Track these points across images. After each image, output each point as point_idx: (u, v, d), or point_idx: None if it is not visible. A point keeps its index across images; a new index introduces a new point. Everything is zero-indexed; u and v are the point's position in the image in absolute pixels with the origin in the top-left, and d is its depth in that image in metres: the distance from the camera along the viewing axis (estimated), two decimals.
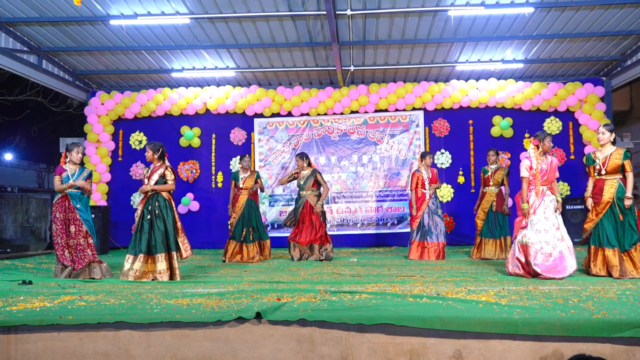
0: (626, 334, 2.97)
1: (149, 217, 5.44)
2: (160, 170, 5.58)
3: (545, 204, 5.28)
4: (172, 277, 5.37)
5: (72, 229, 5.60)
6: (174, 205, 5.62)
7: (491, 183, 7.51)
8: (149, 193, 5.54)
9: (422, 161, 7.50)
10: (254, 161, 10.46)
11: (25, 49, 9.00)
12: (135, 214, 5.60)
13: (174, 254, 5.43)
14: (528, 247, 5.19)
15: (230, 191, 7.68)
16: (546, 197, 5.30)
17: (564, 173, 9.73)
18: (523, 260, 5.26)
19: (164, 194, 5.57)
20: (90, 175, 5.85)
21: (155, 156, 5.65)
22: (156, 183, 5.53)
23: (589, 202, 5.42)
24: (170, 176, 5.59)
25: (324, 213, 7.61)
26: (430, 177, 7.39)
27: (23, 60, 8.98)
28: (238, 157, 10.32)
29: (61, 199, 5.64)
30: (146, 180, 5.58)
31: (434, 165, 9.86)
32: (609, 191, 5.20)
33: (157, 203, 5.48)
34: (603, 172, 5.26)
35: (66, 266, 5.55)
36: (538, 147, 5.41)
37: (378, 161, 10.37)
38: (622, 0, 7.56)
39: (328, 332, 3.24)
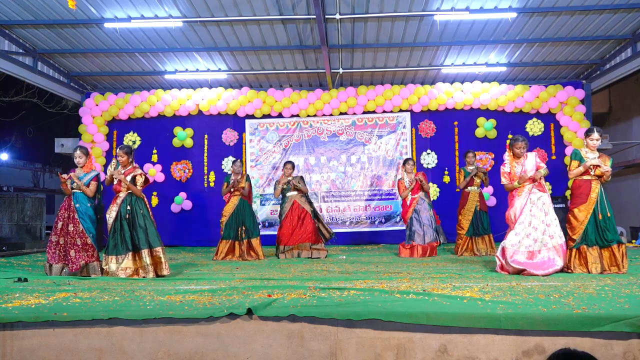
0: (605, 328, 3.05)
1: (127, 216, 5.46)
2: (134, 174, 5.57)
3: (532, 202, 5.36)
4: (158, 271, 5.40)
5: (71, 227, 5.60)
6: (147, 201, 5.71)
7: (474, 183, 7.75)
8: (124, 194, 5.54)
9: (403, 168, 7.78)
10: (246, 161, 10.62)
11: (20, 50, 9.09)
12: (108, 215, 5.53)
13: (158, 249, 5.45)
14: (505, 250, 5.31)
15: (224, 189, 7.80)
16: (532, 195, 5.38)
17: None
18: (503, 261, 5.36)
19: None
20: (93, 178, 5.71)
21: (130, 159, 5.68)
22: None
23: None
24: (140, 180, 5.57)
25: (314, 212, 7.82)
26: (413, 182, 7.57)
27: (18, 62, 9.06)
28: (230, 157, 10.56)
29: (67, 198, 5.71)
30: (120, 175, 5.52)
31: (421, 169, 10.08)
32: (595, 190, 5.29)
33: (137, 202, 5.53)
34: (592, 172, 5.30)
35: (52, 265, 5.57)
36: (511, 151, 5.59)
37: (366, 161, 10.58)
38: (601, 6, 7.80)
39: (317, 327, 3.28)
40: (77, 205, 5.64)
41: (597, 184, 5.32)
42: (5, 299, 3.94)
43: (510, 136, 10.26)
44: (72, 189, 5.68)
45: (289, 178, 7.87)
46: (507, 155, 5.63)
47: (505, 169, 5.59)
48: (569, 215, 5.41)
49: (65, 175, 5.72)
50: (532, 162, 5.50)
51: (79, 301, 3.81)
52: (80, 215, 5.61)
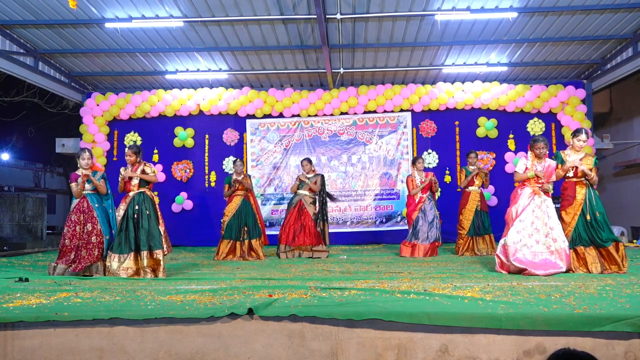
0: (606, 328, 3.06)
1: (135, 216, 5.52)
2: (141, 167, 5.75)
3: (535, 203, 5.35)
4: (155, 274, 5.44)
5: (89, 226, 5.62)
6: (156, 203, 5.77)
7: (476, 183, 7.76)
8: (133, 193, 5.65)
9: (413, 166, 7.78)
10: (247, 161, 10.61)
11: (21, 51, 9.11)
12: (117, 212, 5.64)
13: (157, 252, 5.48)
14: (507, 247, 5.30)
15: (226, 192, 7.82)
16: (537, 198, 5.38)
17: None
18: (503, 259, 5.36)
19: (148, 192, 5.70)
20: (102, 178, 5.82)
21: (138, 159, 5.82)
22: (139, 180, 5.72)
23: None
24: (150, 169, 5.77)
25: (316, 214, 7.80)
26: (425, 182, 7.59)
27: (19, 62, 9.08)
28: (231, 157, 10.56)
29: (80, 201, 5.74)
30: (129, 173, 5.70)
31: (427, 169, 10.07)
32: (581, 192, 5.30)
33: (144, 203, 5.59)
34: (570, 174, 5.35)
35: (57, 265, 5.58)
36: (532, 152, 5.54)
37: (367, 161, 10.58)
38: (602, 6, 7.80)
39: (318, 327, 3.29)
40: (95, 205, 5.70)
41: (582, 186, 5.33)
42: (7, 298, 3.94)
43: (511, 135, 10.28)
44: (85, 190, 5.73)
45: (309, 176, 7.90)
46: (529, 154, 5.58)
47: (527, 162, 5.51)
48: (560, 217, 5.46)
49: (83, 172, 5.73)
50: (550, 169, 5.45)
51: (80, 301, 3.83)
52: (98, 215, 5.67)
